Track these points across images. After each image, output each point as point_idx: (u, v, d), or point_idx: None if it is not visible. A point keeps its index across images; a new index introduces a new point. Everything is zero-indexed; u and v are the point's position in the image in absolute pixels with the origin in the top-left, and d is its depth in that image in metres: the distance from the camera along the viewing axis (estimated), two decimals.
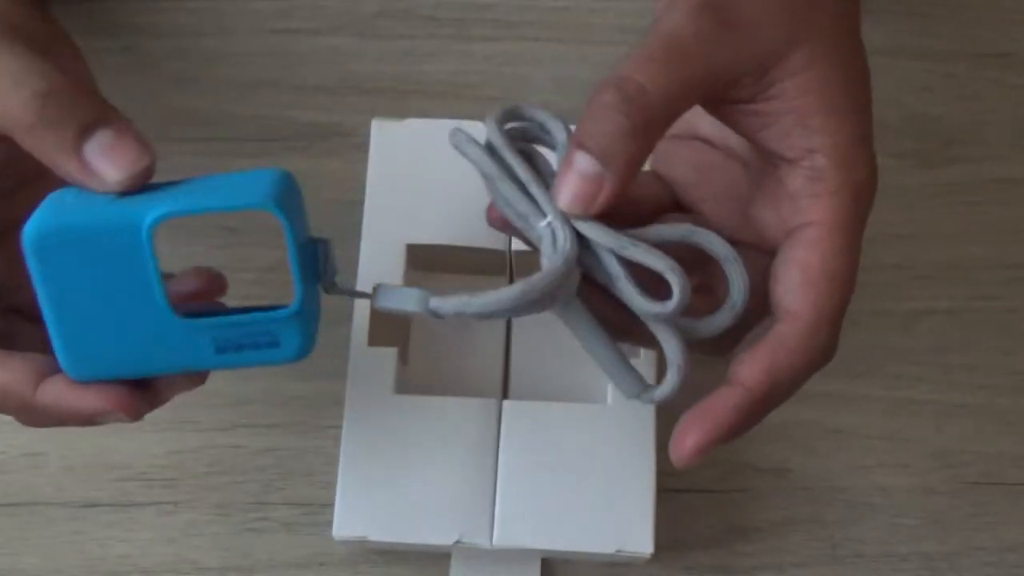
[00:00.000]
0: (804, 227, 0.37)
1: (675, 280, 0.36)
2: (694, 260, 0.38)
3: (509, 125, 0.39)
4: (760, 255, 0.39)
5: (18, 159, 0.38)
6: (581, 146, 0.35)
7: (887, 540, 0.51)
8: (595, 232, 0.36)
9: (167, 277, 0.37)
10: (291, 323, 0.36)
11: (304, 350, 0.38)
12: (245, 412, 0.52)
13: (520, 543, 0.47)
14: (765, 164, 0.39)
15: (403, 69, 0.57)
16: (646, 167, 0.39)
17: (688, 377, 0.38)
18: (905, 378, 0.53)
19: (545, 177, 0.38)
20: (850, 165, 0.37)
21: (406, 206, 0.50)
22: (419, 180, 0.50)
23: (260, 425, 0.52)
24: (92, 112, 0.36)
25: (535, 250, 0.38)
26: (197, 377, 0.39)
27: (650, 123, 0.35)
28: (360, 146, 0.52)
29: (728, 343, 0.41)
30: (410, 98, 0.57)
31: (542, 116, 0.38)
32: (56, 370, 0.37)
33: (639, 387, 0.39)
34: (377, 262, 0.49)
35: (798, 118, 0.36)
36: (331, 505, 0.47)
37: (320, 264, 0.38)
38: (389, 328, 0.50)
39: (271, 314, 0.36)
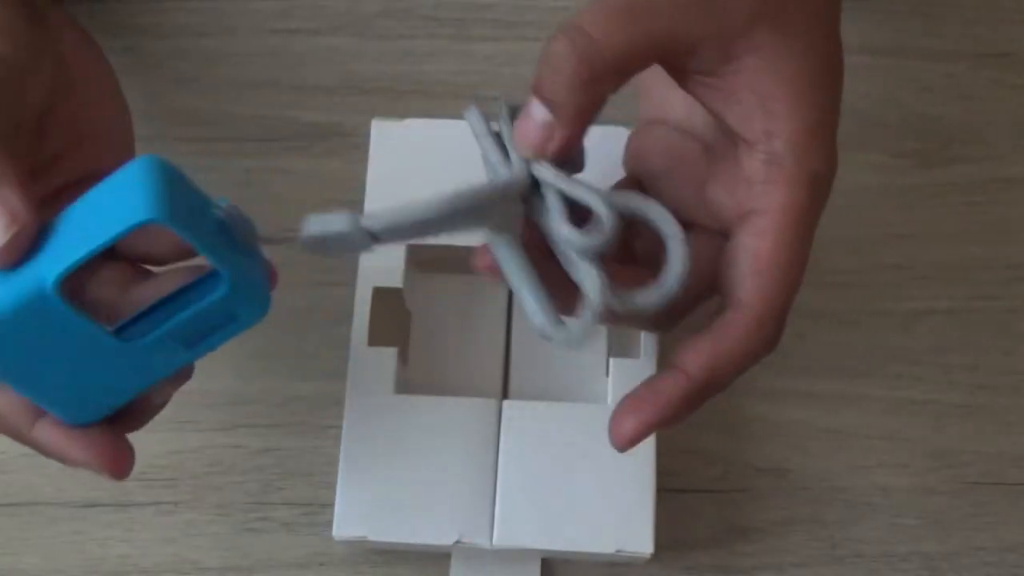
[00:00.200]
0: (757, 214, 0.37)
1: (603, 212, 0.36)
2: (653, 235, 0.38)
3: None
4: (713, 237, 0.39)
5: (62, 127, 0.38)
6: (535, 92, 0.36)
7: (887, 540, 0.51)
8: (545, 170, 0.37)
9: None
10: (236, 297, 0.36)
11: (262, 310, 0.37)
12: (245, 412, 0.52)
13: (520, 543, 0.47)
14: (726, 144, 0.39)
15: (403, 69, 0.57)
16: None
17: (602, 319, 0.37)
18: (905, 378, 0.53)
19: None
20: (808, 154, 0.36)
21: None
22: (419, 180, 0.50)
23: (260, 425, 0.52)
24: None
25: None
26: (182, 373, 0.39)
27: (598, 76, 0.35)
28: (360, 146, 0.52)
29: (666, 321, 0.41)
30: (410, 98, 0.57)
31: None
32: None
33: (552, 328, 0.37)
34: (377, 262, 0.49)
35: (760, 99, 0.36)
36: (331, 505, 0.47)
37: (235, 232, 0.36)
38: (389, 328, 0.50)
39: (214, 300, 0.36)
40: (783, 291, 0.37)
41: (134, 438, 0.51)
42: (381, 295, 0.49)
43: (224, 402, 0.52)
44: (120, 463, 0.38)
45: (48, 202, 0.39)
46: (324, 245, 0.36)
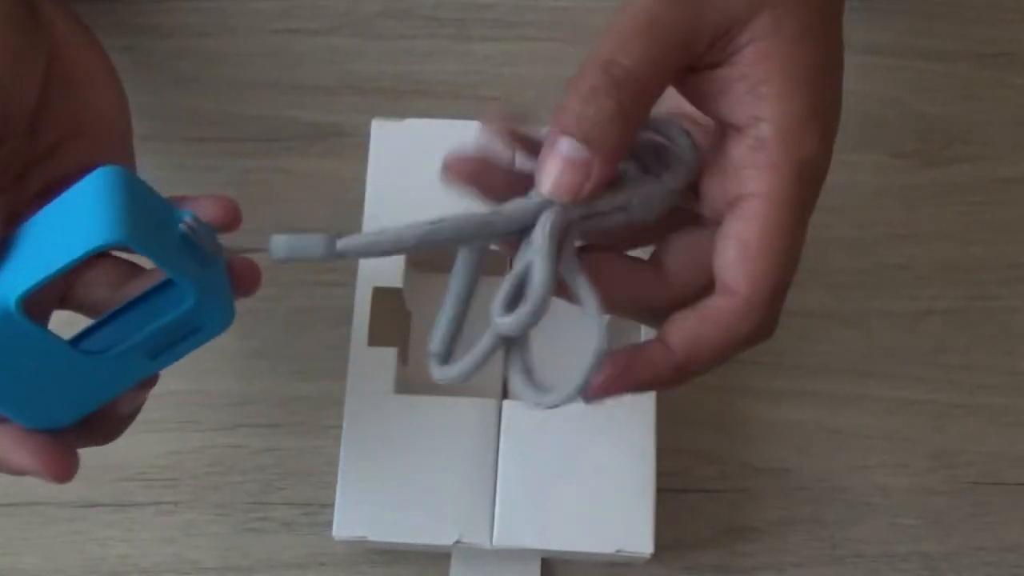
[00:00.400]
0: (744, 199, 0.36)
1: (595, 318, 0.36)
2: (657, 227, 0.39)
3: None
4: (711, 229, 0.39)
5: (56, 118, 0.38)
6: (566, 131, 0.35)
7: (887, 540, 0.51)
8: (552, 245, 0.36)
9: (180, 200, 0.37)
10: (200, 310, 0.35)
11: (227, 321, 0.36)
12: (245, 412, 0.52)
13: (520, 543, 0.47)
14: (718, 135, 0.39)
15: (403, 69, 0.57)
16: None
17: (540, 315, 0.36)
18: (905, 378, 0.53)
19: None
20: (796, 139, 0.36)
21: (406, 206, 0.50)
22: (419, 180, 0.50)
23: (260, 425, 0.52)
24: None
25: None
26: (147, 381, 0.38)
27: (639, 104, 0.35)
28: (360, 146, 0.52)
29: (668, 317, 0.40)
30: (410, 98, 0.57)
31: None
32: None
33: (436, 360, 0.37)
34: (377, 262, 0.49)
35: (750, 84, 0.36)
36: (331, 505, 0.47)
37: (198, 244, 0.35)
38: (389, 328, 0.50)
39: (178, 314, 0.35)
40: (771, 277, 0.36)
41: (134, 439, 0.51)
42: (381, 295, 0.49)
43: (224, 402, 0.52)
44: (64, 468, 0.37)
45: (46, 196, 0.39)
46: (292, 260, 0.35)
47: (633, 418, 0.48)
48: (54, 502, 0.51)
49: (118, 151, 0.42)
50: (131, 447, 0.51)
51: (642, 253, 0.41)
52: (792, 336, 0.53)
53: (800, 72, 0.36)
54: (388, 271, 0.49)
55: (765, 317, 0.37)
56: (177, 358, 0.37)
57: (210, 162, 0.55)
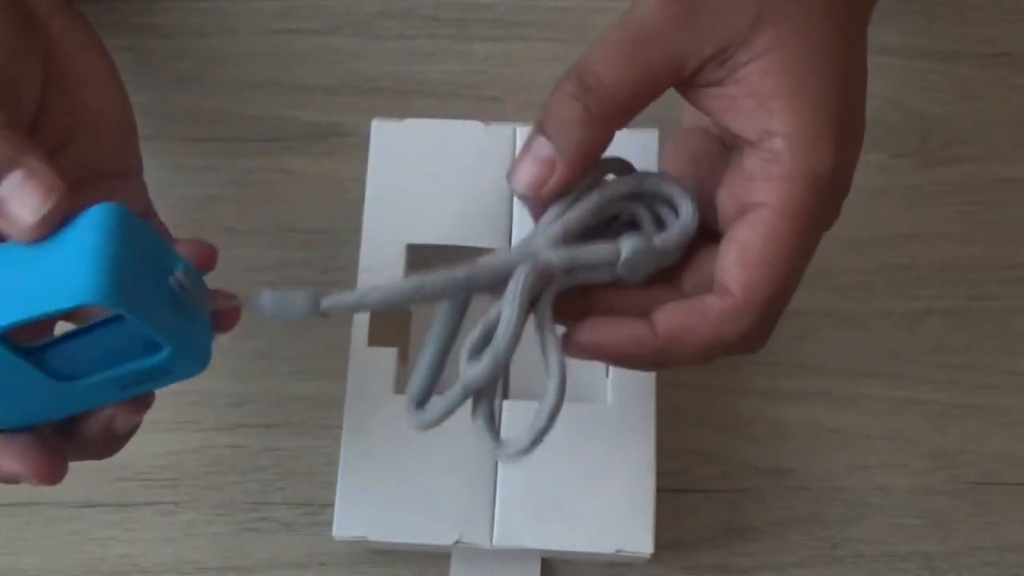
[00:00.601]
0: (754, 208, 0.36)
1: (555, 370, 0.37)
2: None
3: None
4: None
5: (54, 120, 0.38)
6: (540, 130, 0.36)
7: (887, 540, 0.51)
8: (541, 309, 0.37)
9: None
10: (176, 359, 0.35)
11: (202, 366, 0.36)
12: (245, 412, 0.52)
13: (520, 543, 0.47)
14: (732, 147, 0.39)
15: (403, 69, 0.57)
16: None
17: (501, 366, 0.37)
18: (905, 378, 0.53)
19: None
20: (809, 152, 0.36)
21: (406, 206, 0.50)
22: (419, 180, 0.50)
23: (260, 425, 0.52)
24: (4, 154, 0.34)
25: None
26: (143, 404, 0.38)
27: (607, 113, 0.35)
28: (360, 146, 0.52)
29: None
30: (410, 98, 0.57)
31: None
32: None
33: (413, 405, 0.39)
34: (377, 262, 0.49)
35: (759, 100, 0.36)
36: (331, 505, 0.47)
37: (186, 299, 0.35)
38: (389, 328, 0.50)
39: (153, 363, 0.35)
40: (768, 286, 0.36)
41: (134, 438, 0.51)
42: None
43: (224, 402, 0.52)
44: (52, 471, 0.37)
45: None
46: (277, 315, 0.36)
47: (633, 418, 0.48)
48: (54, 502, 0.51)
49: (118, 151, 0.42)
50: (131, 447, 0.51)
51: None
52: (792, 336, 0.53)
53: (811, 86, 0.36)
54: (388, 271, 0.49)
55: (755, 327, 0.37)
56: (147, 390, 0.37)
57: (210, 162, 0.55)
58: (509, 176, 0.37)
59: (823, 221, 0.37)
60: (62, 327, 0.36)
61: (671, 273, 0.39)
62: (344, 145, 0.56)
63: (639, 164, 0.40)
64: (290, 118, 0.56)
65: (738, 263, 0.36)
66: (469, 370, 0.36)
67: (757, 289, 0.36)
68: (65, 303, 0.32)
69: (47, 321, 0.37)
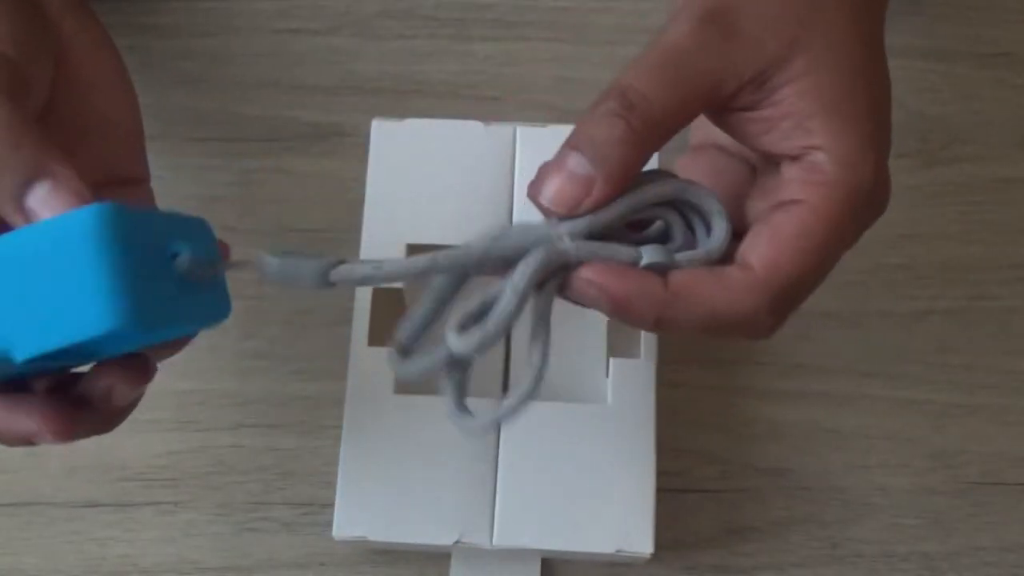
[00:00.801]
0: (792, 203, 0.36)
1: (537, 360, 0.36)
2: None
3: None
4: None
5: (63, 121, 0.38)
6: (575, 148, 0.35)
7: (887, 540, 0.51)
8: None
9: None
10: (191, 328, 0.35)
11: (218, 322, 0.36)
12: (245, 412, 0.52)
13: (520, 543, 0.47)
14: (768, 164, 0.39)
15: (403, 69, 0.57)
16: None
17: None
18: (905, 378, 0.53)
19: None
20: (850, 166, 0.36)
21: (406, 206, 0.50)
22: (419, 180, 0.50)
23: (261, 425, 0.52)
24: (31, 162, 0.34)
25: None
26: (142, 377, 0.37)
27: (650, 132, 0.35)
28: (360, 146, 0.52)
29: None
30: (410, 98, 0.57)
31: None
32: None
33: (402, 348, 0.38)
34: None
35: (797, 121, 0.36)
36: (331, 505, 0.47)
37: (188, 277, 0.34)
38: (389, 328, 0.50)
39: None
40: (789, 272, 0.36)
41: (134, 439, 0.51)
42: (381, 295, 0.49)
43: (224, 402, 0.52)
44: (65, 425, 0.36)
45: None
46: (284, 282, 0.35)
47: (633, 418, 0.48)
48: (54, 502, 0.51)
49: (126, 156, 0.42)
50: (131, 447, 0.52)
51: None
52: (792, 336, 0.53)
53: (848, 106, 0.36)
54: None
55: (764, 309, 0.36)
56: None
57: (211, 162, 0.55)
58: (534, 189, 0.36)
59: (852, 235, 0.37)
60: None
61: None
62: (344, 145, 0.56)
63: None
64: (290, 118, 0.56)
65: (767, 242, 0.36)
66: (456, 341, 0.35)
67: (778, 270, 0.36)
68: (83, 335, 0.31)
69: None
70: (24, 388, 0.37)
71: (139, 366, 0.36)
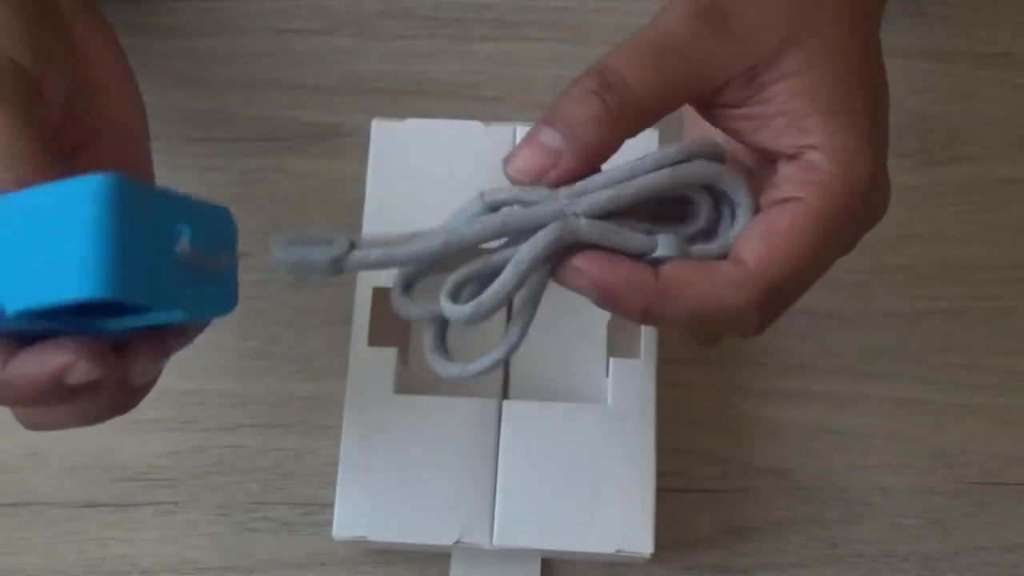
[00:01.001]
0: (789, 200, 0.36)
1: (515, 337, 0.36)
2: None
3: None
4: None
5: (75, 122, 0.38)
6: (548, 123, 0.35)
7: (887, 540, 0.51)
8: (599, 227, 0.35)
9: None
10: (192, 316, 0.34)
11: (224, 313, 0.35)
12: (245, 412, 0.52)
13: (520, 543, 0.47)
14: (762, 163, 0.39)
15: (403, 69, 0.57)
16: None
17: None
18: (905, 378, 0.53)
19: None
20: (847, 166, 0.36)
21: (406, 206, 0.50)
22: (419, 180, 0.50)
23: (260, 425, 0.52)
24: (32, 174, 0.34)
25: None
26: (161, 354, 0.37)
27: (625, 114, 0.35)
28: (360, 146, 0.52)
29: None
30: (410, 98, 0.57)
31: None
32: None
33: (404, 283, 0.37)
34: None
35: (791, 120, 0.36)
36: (331, 505, 0.47)
37: (191, 261, 0.33)
38: (389, 328, 0.50)
39: (167, 318, 0.34)
40: (780, 269, 0.35)
41: (134, 438, 0.51)
42: (381, 295, 0.49)
43: (224, 402, 0.52)
44: (101, 353, 0.34)
45: None
46: (294, 273, 0.35)
47: (633, 418, 0.48)
48: (54, 502, 0.51)
49: (131, 153, 0.42)
50: (131, 447, 0.52)
51: None
52: (792, 336, 0.53)
53: (845, 106, 0.36)
54: (388, 271, 0.49)
55: (753, 305, 0.36)
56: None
57: (210, 162, 0.55)
58: (506, 161, 0.36)
59: (848, 236, 0.37)
60: None
61: None
62: (344, 145, 0.56)
63: None
64: (290, 118, 0.56)
65: (760, 238, 0.36)
66: (449, 307, 0.35)
67: (770, 267, 0.35)
68: (65, 295, 0.31)
69: None
70: None
71: (158, 340, 0.36)
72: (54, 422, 0.38)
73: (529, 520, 0.47)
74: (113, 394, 0.37)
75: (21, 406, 0.37)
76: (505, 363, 0.51)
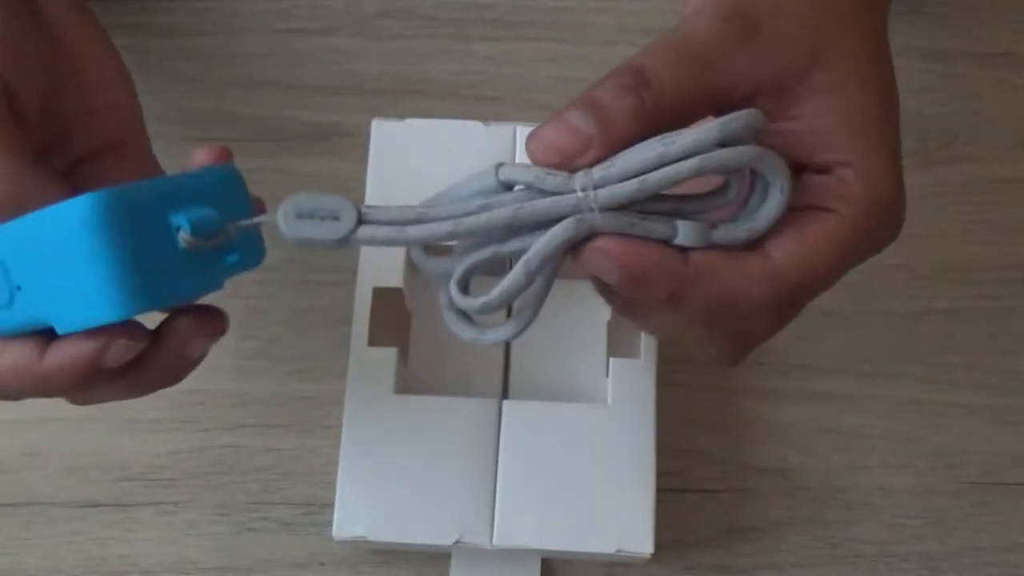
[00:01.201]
0: (820, 209, 0.36)
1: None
2: None
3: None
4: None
5: (63, 119, 0.38)
6: (579, 108, 0.34)
7: (887, 540, 0.51)
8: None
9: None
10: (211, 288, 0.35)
11: (255, 266, 0.37)
12: (245, 412, 0.52)
13: (520, 543, 0.47)
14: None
15: (403, 69, 0.57)
16: None
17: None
18: (905, 378, 0.53)
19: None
20: (875, 181, 0.36)
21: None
22: (419, 180, 0.50)
23: (260, 425, 0.52)
24: (10, 188, 0.35)
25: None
26: (215, 330, 0.37)
27: (659, 114, 0.34)
28: (360, 146, 0.52)
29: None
30: (410, 98, 0.57)
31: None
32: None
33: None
34: (377, 262, 0.49)
35: (819, 137, 0.36)
36: (331, 505, 0.47)
37: (194, 248, 0.34)
38: (389, 328, 0.50)
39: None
40: (804, 271, 0.35)
41: (134, 438, 0.51)
42: (381, 295, 0.49)
43: (224, 402, 0.52)
44: (135, 327, 0.35)
45: (65, 175, 0.39)
46: (300, 245, 0.34)
47: (633, 418, 0.48)
48: (54, 502, 0.51)
49: (129, 131, 0.42)
50: (131, 447, 0.52)
51: None
52: (792, 336, 0.52)
53: (874, 124, 0.36)
54: (388, 271, 0.49)
55: (772, 303, 0.35)
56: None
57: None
58: (531, 137, 0.34)
59: (866, 252, 0.37)
60: None
61: None
62: (344, 145, 0.56)
63: None
64: (290, 118, 0.56)
65: (792, 238, 0.35)
66: (457, 297, 0.35)
67: (798, 268, 0.35)
68: (83, 323, 0.32)
69: None
70: None
71: (212, 316, 0.37)
72: (102, 396, 0.38)
73: (529, 520, 0.47)
74: (163, 368, 0.37)
75: (63, 396, 0.37)
76: (505, 363, 0.51)
